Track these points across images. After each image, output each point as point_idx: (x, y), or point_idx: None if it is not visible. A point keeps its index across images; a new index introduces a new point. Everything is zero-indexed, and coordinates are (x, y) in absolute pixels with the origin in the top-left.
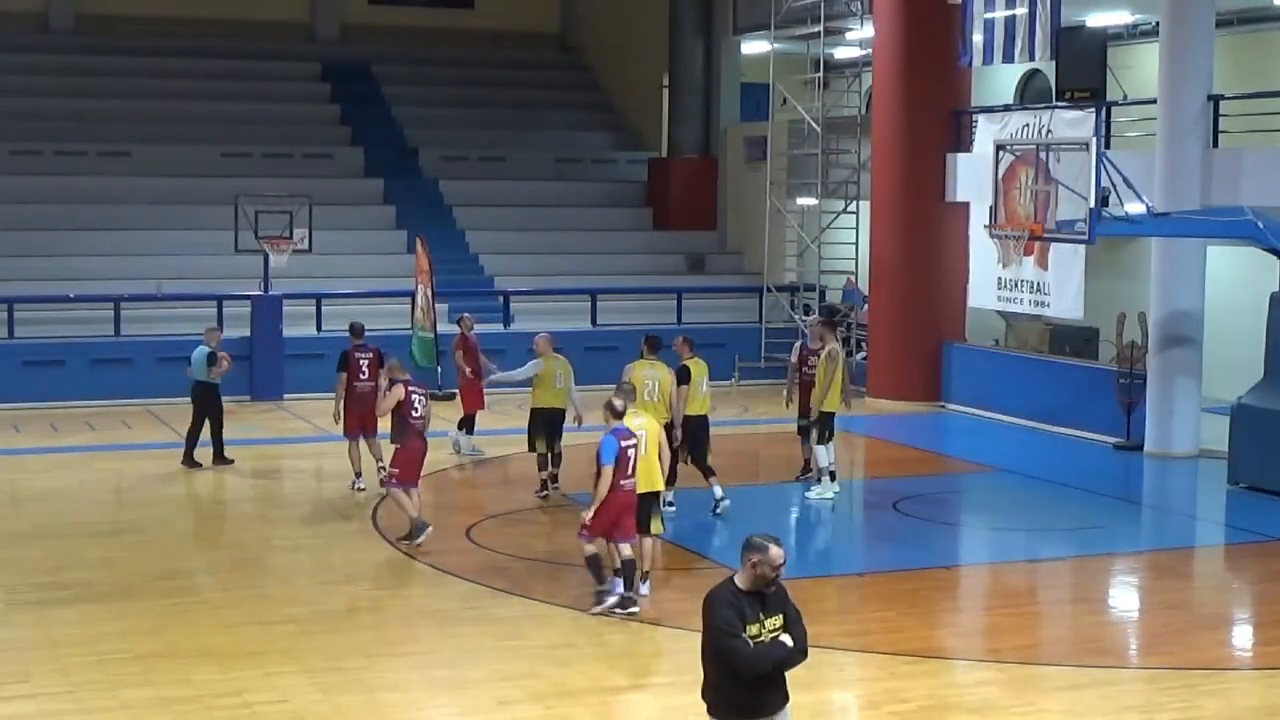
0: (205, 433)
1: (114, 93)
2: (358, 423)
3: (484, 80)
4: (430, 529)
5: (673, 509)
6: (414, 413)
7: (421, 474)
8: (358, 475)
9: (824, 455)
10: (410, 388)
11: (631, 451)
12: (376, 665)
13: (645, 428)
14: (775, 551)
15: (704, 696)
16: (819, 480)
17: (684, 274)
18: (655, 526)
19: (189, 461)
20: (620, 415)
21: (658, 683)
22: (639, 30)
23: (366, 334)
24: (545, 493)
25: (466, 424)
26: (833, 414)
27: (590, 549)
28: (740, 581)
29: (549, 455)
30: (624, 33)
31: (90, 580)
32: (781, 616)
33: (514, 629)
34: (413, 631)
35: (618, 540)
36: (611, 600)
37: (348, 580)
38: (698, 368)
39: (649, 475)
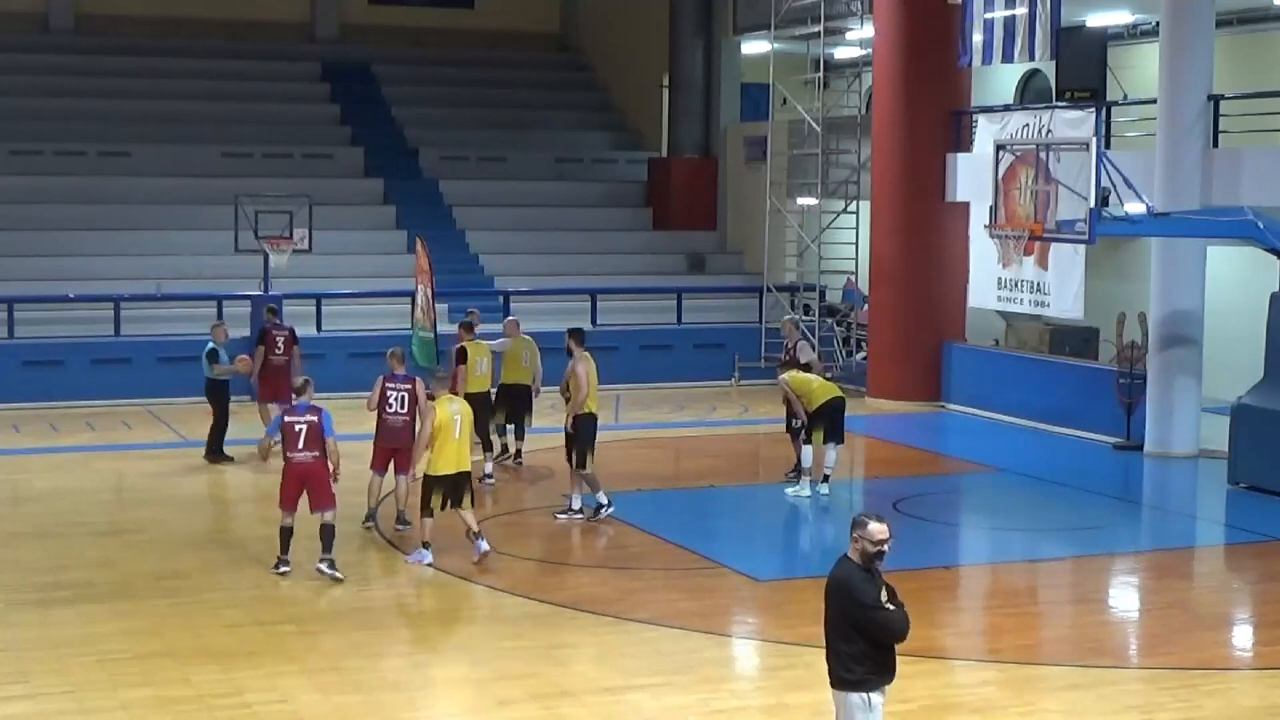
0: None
1: (114, 93)
2: (271, 391)
3: (484, 80)
4: (374, 522)
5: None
6: (388, 407)
7: (395, 466)
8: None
9: (808, 456)
10: (389, 382)
11: (300, 428)
12: (376, 665)
13: (460, 412)
14: (874, 527)
15: (843, 674)
16: (824, 480)
17: (684, 274)
18: (465, 502)
19: (215, 456)
20: (300, 393)
21: (658, 683)
22: (639, 30)
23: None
24: (505, 458)
25: None
26: (820, 414)
27: (286, 521)
28: (854, 556)
29: (517, 427)
30: (624, 33)
31: (90, 580)
32: (885, 590)
33: (514, 629)
34: (413, 632)
35: (314, 510)
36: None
37: (348, 580)
38: (476, 349)
39: (460, 456)
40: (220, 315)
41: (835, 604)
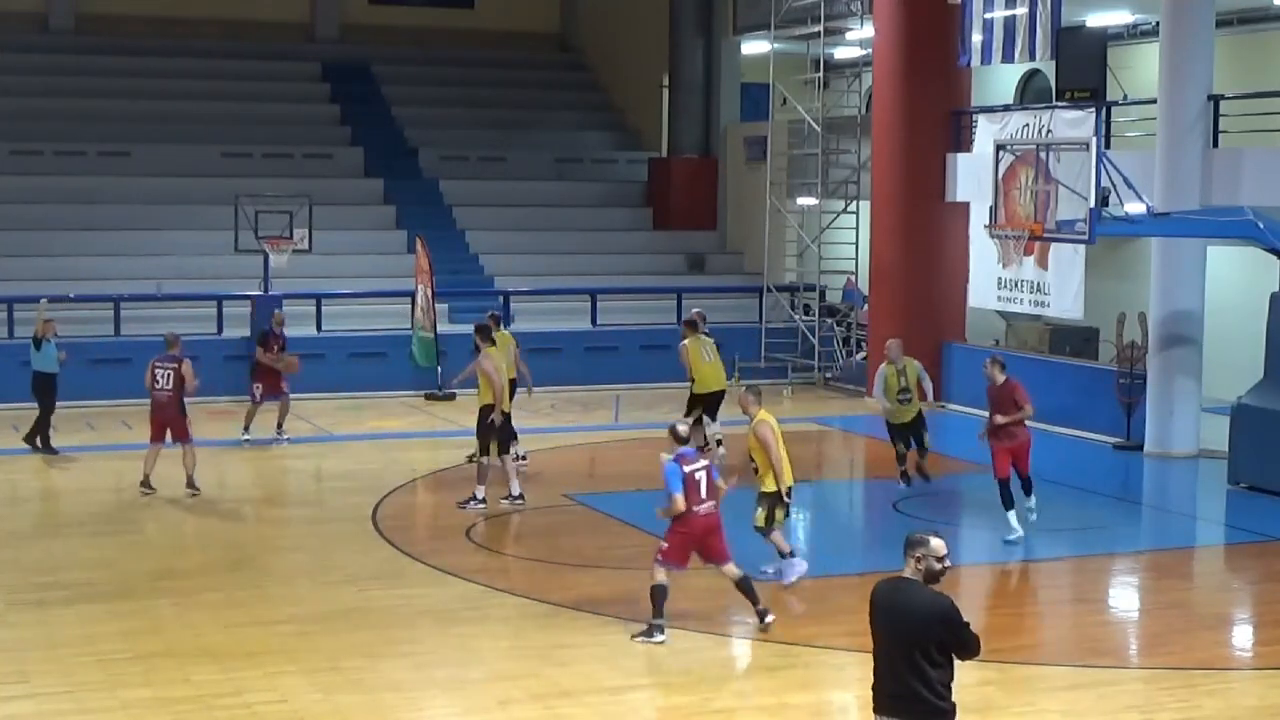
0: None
1: (114, 93)
2: (270, 388)
3: (484, 80)
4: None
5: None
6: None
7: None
8: (245, 430)
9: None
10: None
11: (700, 477)
12: (376, 665)
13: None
14: (936, 543)
15: (945, 704)
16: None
17: (684, 274)
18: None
19: (33, 444)
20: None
21: (658, 683)
22: (639, 30)
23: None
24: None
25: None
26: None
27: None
28: (915, 577)
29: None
30: (624, 33)
31: (90, 580)
32: None
33: (514, 629)
34: (413, 631)
35: (708, 560)
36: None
37: (348, 580)
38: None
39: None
40: (220, 315)
41: (948, 626)
